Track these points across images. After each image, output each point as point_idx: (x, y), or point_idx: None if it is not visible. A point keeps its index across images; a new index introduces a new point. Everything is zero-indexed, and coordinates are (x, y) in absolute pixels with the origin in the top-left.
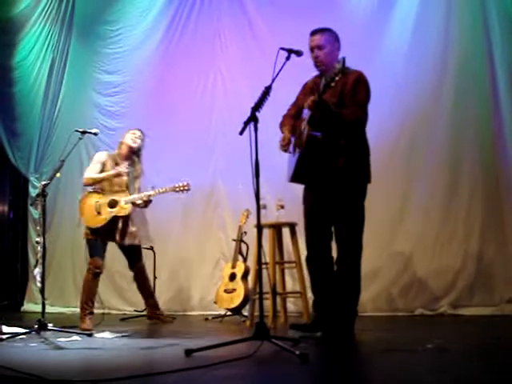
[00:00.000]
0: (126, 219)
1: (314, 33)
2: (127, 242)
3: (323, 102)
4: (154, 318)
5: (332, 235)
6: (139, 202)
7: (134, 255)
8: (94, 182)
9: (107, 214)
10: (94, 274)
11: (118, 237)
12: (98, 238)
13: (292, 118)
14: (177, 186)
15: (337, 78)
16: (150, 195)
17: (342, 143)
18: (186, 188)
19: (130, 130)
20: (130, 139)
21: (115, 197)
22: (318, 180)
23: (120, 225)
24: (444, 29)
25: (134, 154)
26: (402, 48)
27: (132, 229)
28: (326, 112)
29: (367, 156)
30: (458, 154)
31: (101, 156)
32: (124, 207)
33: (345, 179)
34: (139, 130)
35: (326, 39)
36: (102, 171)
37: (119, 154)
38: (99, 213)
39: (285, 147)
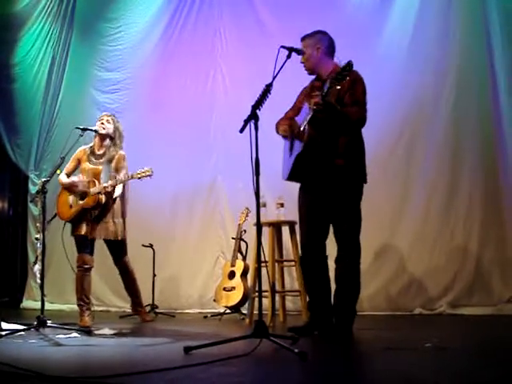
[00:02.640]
0: (99, 211)
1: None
2: (102, 236)
3: (328, 104)
4: (135, 314)
5: (327, 234)
6: (104, 190)
7: (116, 250)
8: (63, 185)
9: (76, 206)
10: (83, 270)
11: (85, 229)
12: (82, 234)
13: (288, 121)
14: (138, 172)
15: (344, 82)
16: (105, 187)
17: (341, 143)
18: (148, 173)
19: (99, 118)
20: (98, 126)
21: (86, 188)
22: (316, 179)
23: (89, 217)
24: (444, 25)
25: (110, 141)
26: (403, 44)
27: (110, 222)
28: (330, 113)
29: (363, 156)
30: (458, 154)
31: (76, 153)
32: (91, 198)
33: (343, 179)
34: (105, 114)
35: (306, 44)
36: (76, 167)
37: (93, 146)
38: (71, 206)
39: (286, 132)
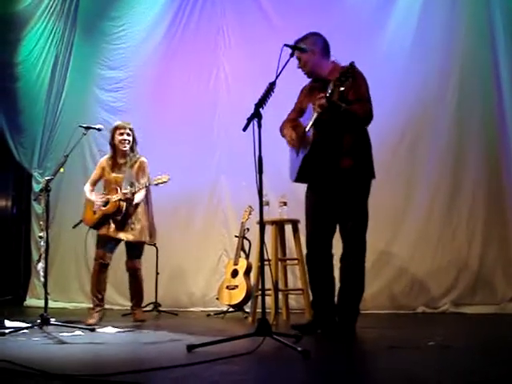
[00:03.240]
0: (121, 218)
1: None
2: (125, 236)
3: (334, 105)
4: (129, 314)
5: (334, 233)
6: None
7: (131, 251)
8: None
9: (99, 212)
10: (99, 266)
11: (107, 229)
12: (104, 234)
13: (292, 122)
14: (155, 179)
15: (347, 83)
16: (125, 193)
17: (347, 141)
18: (164, 181)
19: (116, 128)
20: (120, 143)
21: (109, 196)
22: (323, 179)
23: (111, 220)
24: (448, 25)
25: (130, 152)
26: (405, 44)
27: (132, 225)
28: (336, 113)
29: (370, 152)
30: (461, 154)
31: (101, 161)
32: (112, 204)
33: (351, 179)
34: (125, 124)
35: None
36: (101, 176)
37: (113, 158)
38: (95, 212)
39: (293, 142)
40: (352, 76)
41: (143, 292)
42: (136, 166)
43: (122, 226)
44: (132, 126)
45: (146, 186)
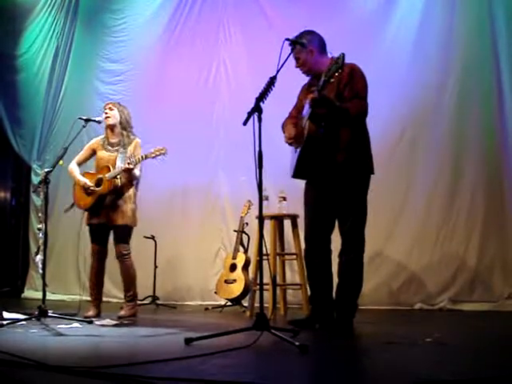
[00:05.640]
0: (115, 196)
1: None
2: (118, 221)
3: (324, 98)
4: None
5: (333, 229)
6: (120, 175)
7: (117, 234)
8: (71, 176)
9: (93, 194)
10: (95, 260)
11: (100, 218)
12: (96, 223)
13: (293, 120)
14: (152, 151)
15: (336, 74)
16: (122, 167)
17: (343, 137)
18: (162, 152)
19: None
20: (104, 117)
21: (101, 175)
22: (320, 175)
23: (107, 203)
24: (449, 25)
25: (120, 127)
26: (407, 44)
27: (126, 207)
28: (328, 107)
29: (368, 147)
30: (461, 152)
31: (91, 143)
32: (106, 184)
33: (347, 173)
34: (109, 101)
35: (297, 50)
36: (89, 157)
37: (106, 138)
38: (88, 194)
39: (291, 140)
40: (342, 67)
41: (132, 279)
42: (132, 146)
43: (115, 209)
44: (117, 104)
45: (143, 159)
